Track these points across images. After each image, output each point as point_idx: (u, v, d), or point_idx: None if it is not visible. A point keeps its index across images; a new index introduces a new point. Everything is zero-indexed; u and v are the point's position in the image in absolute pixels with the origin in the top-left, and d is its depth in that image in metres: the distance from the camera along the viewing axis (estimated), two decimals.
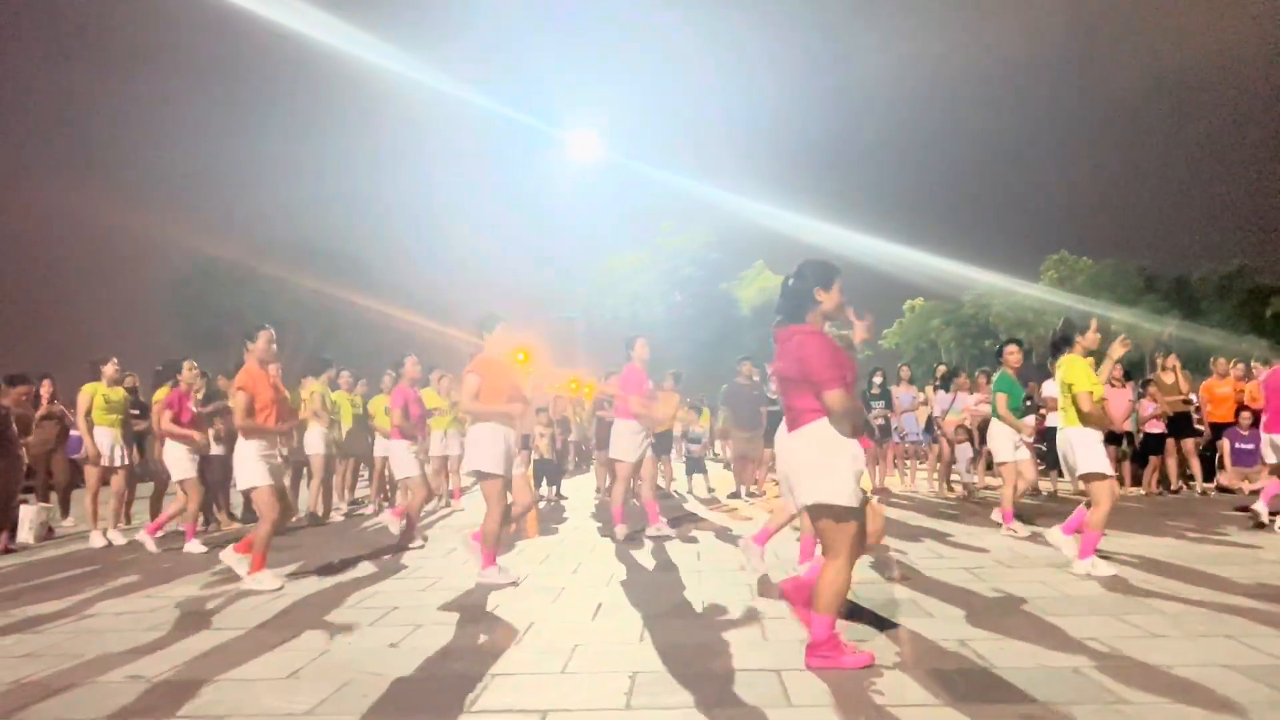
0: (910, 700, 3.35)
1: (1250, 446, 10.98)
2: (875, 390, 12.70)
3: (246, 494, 6.16)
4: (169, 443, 8.19)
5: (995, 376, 8.34)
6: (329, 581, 6.18)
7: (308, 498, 10.44)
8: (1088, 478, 6.00)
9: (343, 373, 11.34)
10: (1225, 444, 11.33)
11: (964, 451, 12.11)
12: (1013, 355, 8.24)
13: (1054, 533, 6.29)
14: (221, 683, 3.80)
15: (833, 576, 3.71)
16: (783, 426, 4.00)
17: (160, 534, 8.16)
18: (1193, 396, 11.85)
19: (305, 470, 10.48)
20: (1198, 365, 13.20)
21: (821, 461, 3.68)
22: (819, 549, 3.94)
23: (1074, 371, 6.00)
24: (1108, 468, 5.95)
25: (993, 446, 8.33)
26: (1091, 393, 5.88)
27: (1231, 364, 12.08)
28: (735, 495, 12.05)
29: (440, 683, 3.74)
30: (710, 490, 12.76)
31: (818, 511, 3.69)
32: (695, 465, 13.51)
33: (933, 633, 4.34)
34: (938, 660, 3.86)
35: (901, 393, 12.91)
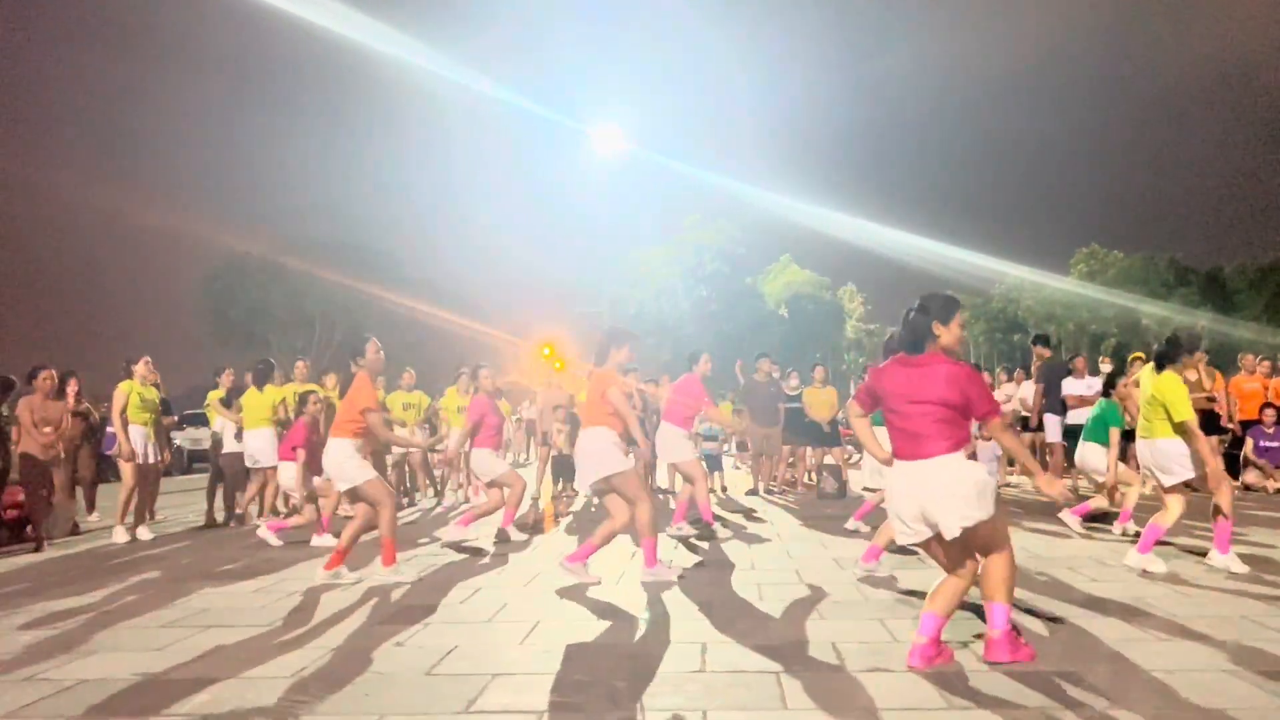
0: (902, 703, 3.35)
1: (1276, 444, 10.83)
2: None
3: (349, 492, 6.22)
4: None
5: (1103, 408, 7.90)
6: (344, 579, 6.24)
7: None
8: (1173, 489, 6.04)
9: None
10: (1249, 442, 11.18)
11: (986, 450, 12.00)
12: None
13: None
14: (227, 681, 3.86)
15: (1005, 567, 3.78)
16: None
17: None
18: (1216, 394, 11.69)
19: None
20: (1231, 360, 12.97)
21: (966, 489, 3.68)
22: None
23: (1174, 393, 5.93)
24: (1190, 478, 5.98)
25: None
26: (1185, 422, 5.86)
27: (1259, 360, 11.91)
28: (753, 492, 12.05)
29: (442, 682, 3.78)
30: (724, 489, 12.72)
31: (978, 528, 3.70)
32: (713, 463, 13.25)
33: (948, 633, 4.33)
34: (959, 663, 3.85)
35: None
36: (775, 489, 12.49)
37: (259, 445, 9.35)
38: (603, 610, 5.10)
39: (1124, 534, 7.46)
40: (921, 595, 5.24)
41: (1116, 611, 4.74)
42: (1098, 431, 7.71)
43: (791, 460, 13.59)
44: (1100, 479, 7.78)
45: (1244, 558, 6.00)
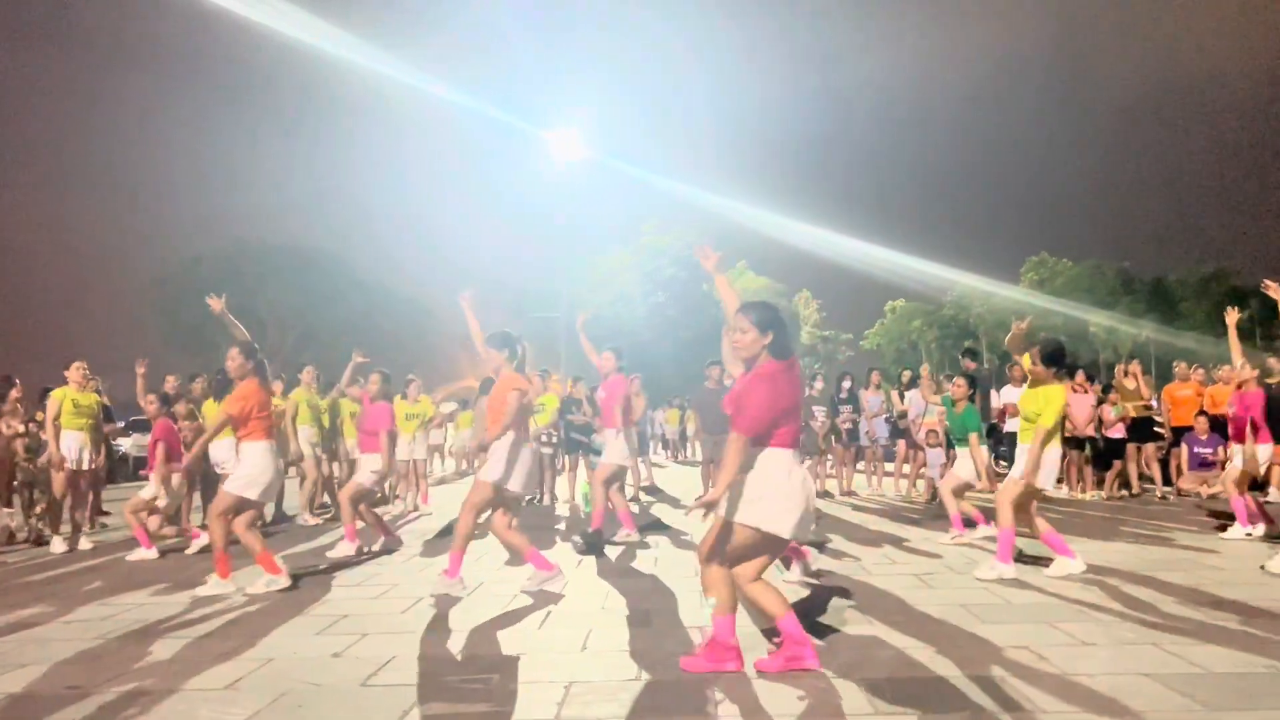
0: (844, 709, 3.42)
1: (1208, 450, 11.13)
2: (844, 394, 12.82)
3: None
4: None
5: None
6: (272, 588, 6.19)
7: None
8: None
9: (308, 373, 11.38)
10: (1183, 448, 11.48)
11: (936, 455, 12.19)
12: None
13: None
14: (159, 694, 3.83)
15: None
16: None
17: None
18: (1154, 402, 12.00)
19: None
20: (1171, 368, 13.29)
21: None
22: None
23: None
24: None
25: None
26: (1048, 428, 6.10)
27: (1193, 369, 12.24)
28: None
29: (377, 693, 3.79)
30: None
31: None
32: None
33: (873, 640, 4.42)
34: (873, 669, 3.93)
35: (870, 397, 13.02)
36: None
37: (224, 455, 9.16)
38: (544, 618, 5.12)
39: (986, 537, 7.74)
40: (868, 602, 5.34)
41: (1050, 616, 4.86)
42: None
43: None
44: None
45: (1170, 562, 6.16)
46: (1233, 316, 7.46)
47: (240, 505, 6.20)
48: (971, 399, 8.18)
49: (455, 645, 4.55)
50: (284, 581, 6.14)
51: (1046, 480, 6.21)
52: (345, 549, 7.69)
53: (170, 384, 10.06)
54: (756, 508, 3.85)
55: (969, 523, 8.07)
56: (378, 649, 4.50)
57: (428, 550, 7.93)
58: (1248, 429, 7.74)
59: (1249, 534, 7.60)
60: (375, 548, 7.91)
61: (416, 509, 11.72)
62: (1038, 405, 6.14)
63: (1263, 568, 6.13)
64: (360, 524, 8.04)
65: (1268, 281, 6.99)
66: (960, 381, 8.20)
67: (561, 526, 9.66)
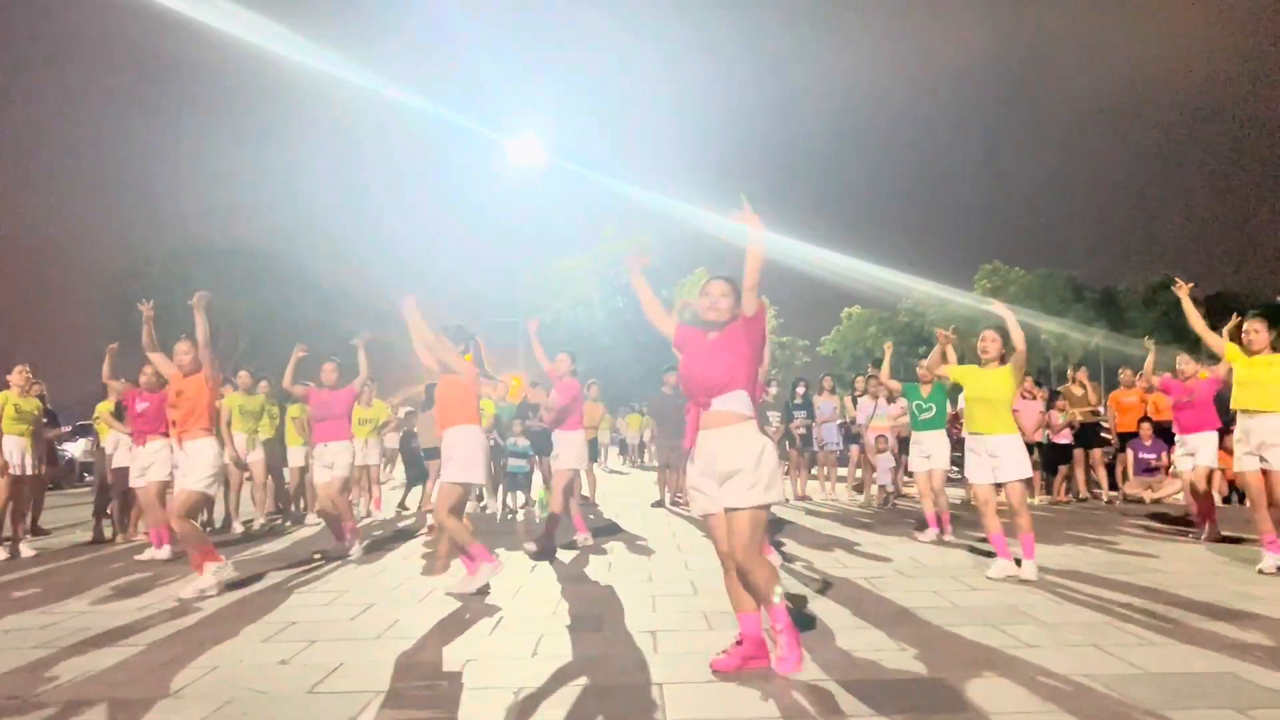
0: (792, 711, 3.45)
1: (1153, 456, 11.37)
2: (798, 400, 12.93)
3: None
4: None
5: None
6: (231, 596, 6.12)
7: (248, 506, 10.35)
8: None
9: (261, 381, 11.24)
10: (1129, 454, 11.72)
11: (885, 461, 12.33)
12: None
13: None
14: (101, 703, 3.77)
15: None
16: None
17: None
18: (1101, 408, 12.24)
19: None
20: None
21: None
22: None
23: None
24: None
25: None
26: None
27: (1137, 375, 12.49)
28: (659, 504, 12.14)
29: (323, 700, 3.76)
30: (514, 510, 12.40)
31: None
32: (519, 482, 11.74)
33: (818, 644, 4.46)
34: (820, 671, 3.97)
35: (823, 402, 13.14)
36: (681, 500, 12.61)
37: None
38: (495, 624, 5.11)
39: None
40: (816, 607, 5.39)
41: (997, 619, 4.94)
42: None
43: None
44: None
45: (1116, 565, 6.29)
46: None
47: (202, 502, 6.23)
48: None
49: (404, 652, 4.52)
50: (229, 570, 6.27)
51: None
52: (352, 549, 7.85)
53: (116, 388, 9.86)
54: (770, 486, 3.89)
55: (922, 525, 8.23)
56: (325, 656, 4.46)
57: (379, 556, 7.87)
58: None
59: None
60: (325, 551, 7.84)
61: (369, 514, 11.61)
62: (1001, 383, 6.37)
63: (1260, 570, 6.28)
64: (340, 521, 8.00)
65: (1178, 280, 7.15)
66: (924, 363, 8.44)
67: (518, 533, 9.63)
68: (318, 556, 7.77)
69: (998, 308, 6.70)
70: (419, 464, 12.31)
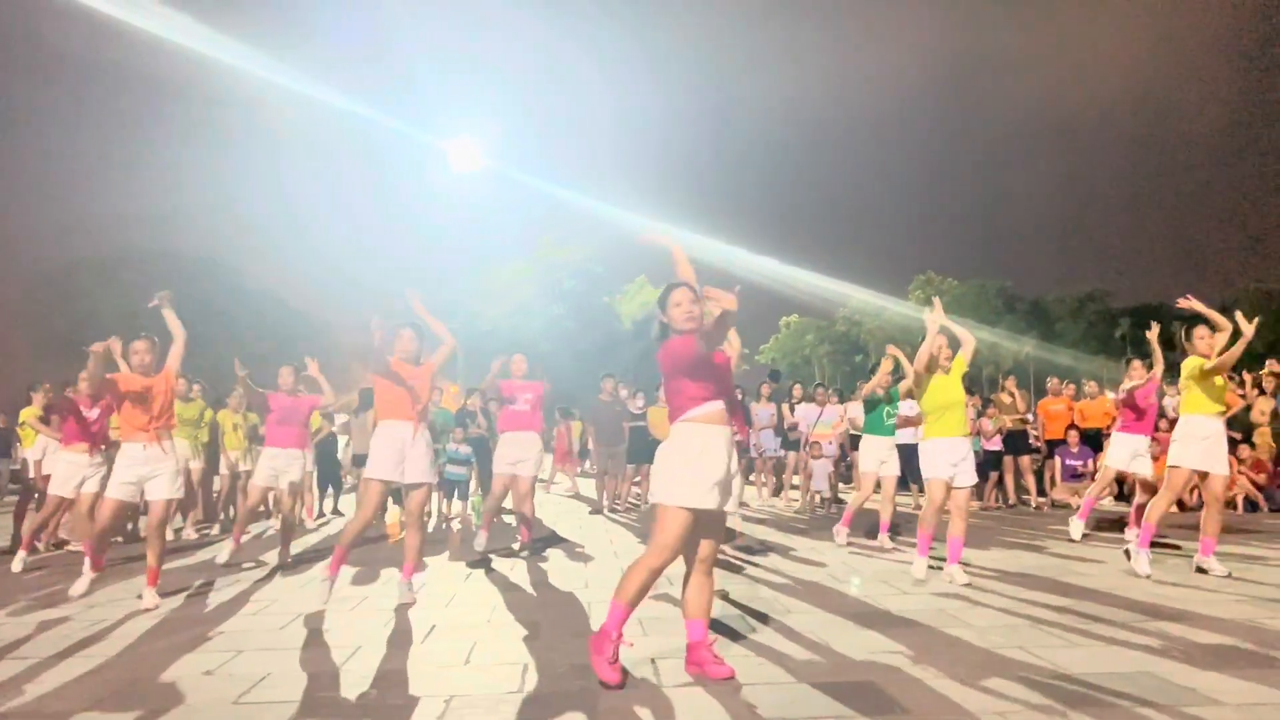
0: (719, 718, 3.46)
1: (1079, 463, 11.66)
2: None
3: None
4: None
5: None
6: (159, 605, 5.96)
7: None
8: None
9: (194, 385, 10.99)
10: (1057, 460, 12.01)
11: (821, 466, 12.46)
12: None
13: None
14: (17, 716, 3.65)
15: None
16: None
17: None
18: (1029, 416, 12.53)
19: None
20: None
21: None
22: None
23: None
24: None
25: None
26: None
27: (1065, 384, 12.83)
28: (598, 511, 12.12)
29: (249, 711, 3.67)
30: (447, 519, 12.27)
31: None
32: (456, 489, 11.57)
33: (752, 647, 4.49)
34: (749, 675, 3.98)
35: (760, 409, 13.24)
36: (619, 507, 12.61)
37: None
38: (427, 633, 5.05)
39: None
40: (746, 612, 5.42)
41: (926, 620, 5.02)
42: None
43: (637, 479, 13.73)
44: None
45: (1045, 568, 6.42)
46: (1153, 332, 7.97)
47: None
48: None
49: (334, 661, 4.45)
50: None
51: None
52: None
53: (39, 398, 9.57)
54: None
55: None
56: (252, 666, 4.37)
57: (310, 565, 7.73)
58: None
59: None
60: (254, 560, 7.68)
61: (302, 522, 11.39)
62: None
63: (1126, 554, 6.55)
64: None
65: (1189, 296, 7.08)
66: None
67: (450, 540, 9.53)
68: (248, 565, 7.61)
69: (934, 316, 6.78)
70: (335, 470, 12.53)
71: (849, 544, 8.25)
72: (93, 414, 8.07)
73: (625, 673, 3.94)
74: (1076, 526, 8.43)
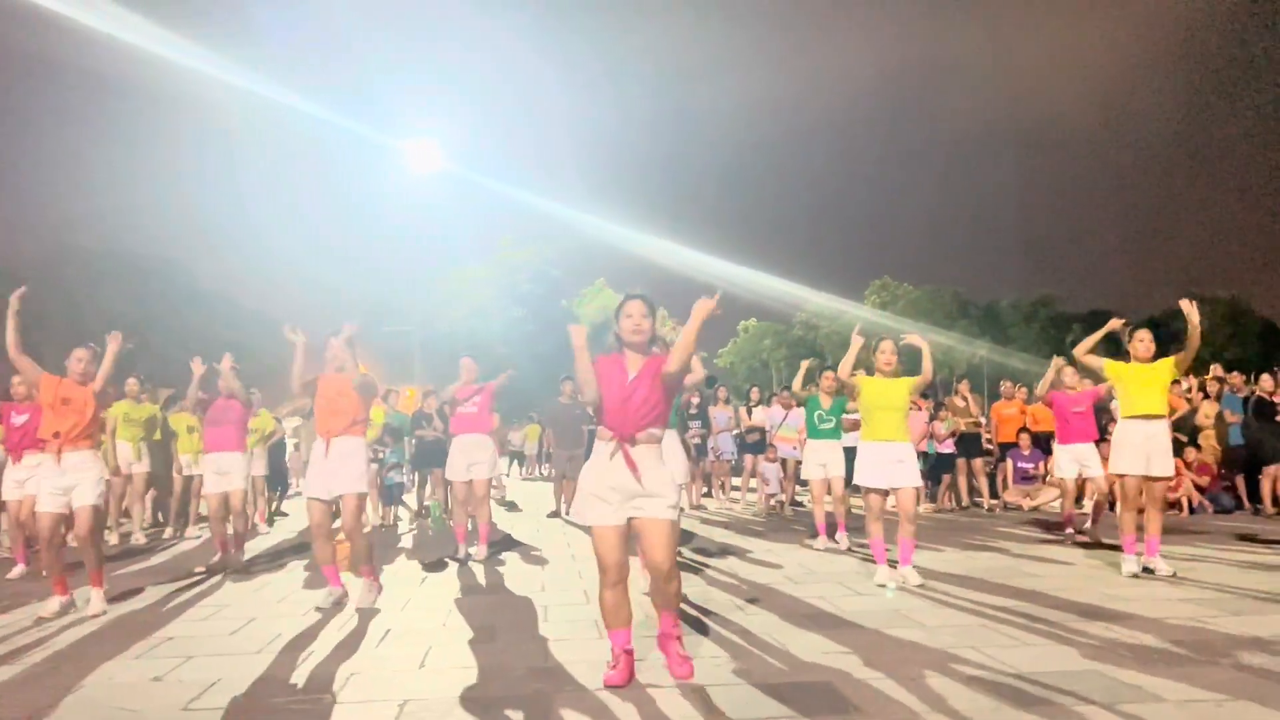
0: (671, 718, 3.47)
1: (1030, 465, 11.85)
2: (693, 410, 13.04)
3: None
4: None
5: None
6: (107, 611, 5.84)
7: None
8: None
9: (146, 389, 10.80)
10: (1009, 463, 12.18)
11: (774, 470, 12.53)
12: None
13: None
14: None
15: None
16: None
17: None
18: (982, 419, 12.70)
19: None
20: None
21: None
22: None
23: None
24: None
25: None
26: None
27: (1017, 387, 13.02)
28: (555, 514, 12.08)
29: (198, 717, 3.62)
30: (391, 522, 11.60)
31: None
32: (392, 494, 11.56)
33: (706, 650, 4.51)
34: (703, 677, 3.99)
35: (718, 412, 13.30)
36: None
37: None
38: (382, 636, 5.01)
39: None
40: (703, 614, 5.44)
41: (879, 622, 5.07)
42: None
43: None
44: None
45: (997, 570, 6.51)
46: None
47: (102, 517, 6.02)
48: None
49: (286, 666, 4.40)
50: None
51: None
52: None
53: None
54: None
55: (814, 533, 8.43)
56: (202, 672, 4.30)
57: (263, 570, 7.63)
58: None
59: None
60: (207, 565, 7.57)
61: (254, 527, 11.24)
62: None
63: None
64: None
65: (1186, 300, 6.77)
66: (829, 375, 8.67)
67: (407, 544, 9.46)
68: (200, 571, 7.49)
69: (914, 339, 6.85)
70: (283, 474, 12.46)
71: (806, 545, 8.32)
72: (18, 420, 7.88)
73: (632, 675, 3.98)
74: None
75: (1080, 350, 7.04)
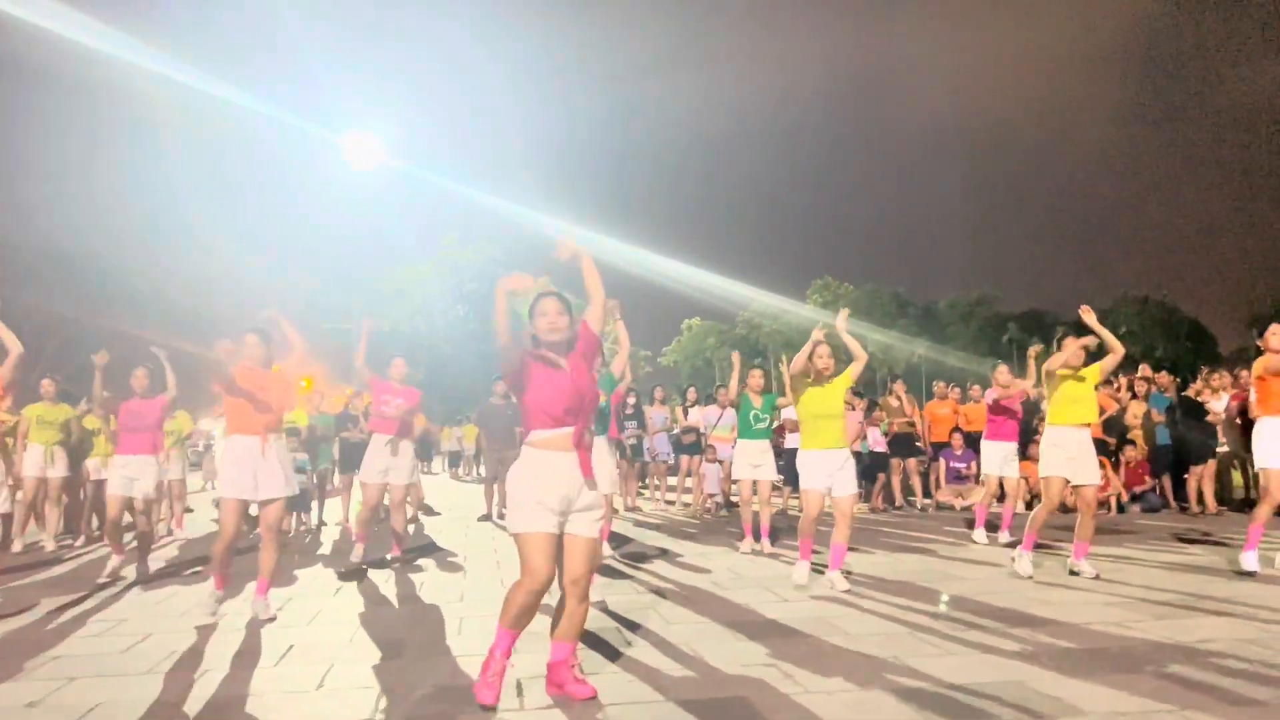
0: None
1: (963, 465, 11.89)
2: (629, 410, 12.89)
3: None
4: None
5: None
6: None
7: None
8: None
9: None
10: (941, 463, 12.23)
11: (713, 470, 12.44)
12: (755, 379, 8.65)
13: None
14: None
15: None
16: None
17: None
18: (916, 419, 12.73)
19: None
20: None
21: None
22: None
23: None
24: None
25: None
26: None
27: (950, 387, 13.08)
28: (486, 517, 11.85)
29: None
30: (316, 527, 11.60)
31: None
32: (299, 501, 11.10)
33: (628, 659, 4.35)
34: (620, 693, 3.83)
35: (654, 413, 13.16)
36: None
37: None
38: (283, 654, 4.76)
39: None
40: (620, 623, 5.27)
41: (804, 629, 4.94)
42: None
43: None
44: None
45: (927, 573, 6.45)
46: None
47: None
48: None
49: (177, 689, 4.13)
50: None
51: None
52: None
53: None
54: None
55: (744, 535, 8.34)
56: (83, 695, 4.02)
57: (171, 580, 7.30)
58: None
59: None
60: (108, 575, 7.22)
61: (170, 533, 10.85)
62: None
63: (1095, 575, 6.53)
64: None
65: (1085, 307, 6.86)
66: (756, 372, 8.64)
67: (326, 551, 9.16)
68: (103, 581, 7.14)
69: (840, 322, 6.70)
70: None
71: (736, 548, 8.21)
72: None
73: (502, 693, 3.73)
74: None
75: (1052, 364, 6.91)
